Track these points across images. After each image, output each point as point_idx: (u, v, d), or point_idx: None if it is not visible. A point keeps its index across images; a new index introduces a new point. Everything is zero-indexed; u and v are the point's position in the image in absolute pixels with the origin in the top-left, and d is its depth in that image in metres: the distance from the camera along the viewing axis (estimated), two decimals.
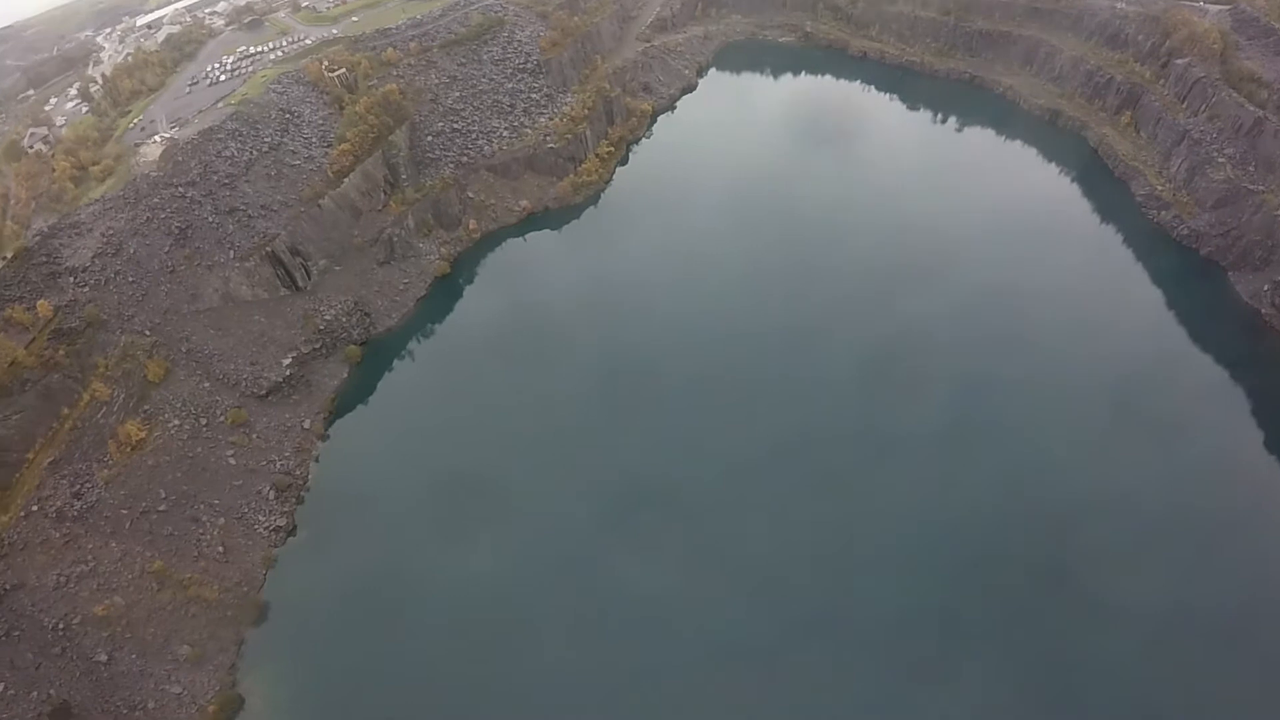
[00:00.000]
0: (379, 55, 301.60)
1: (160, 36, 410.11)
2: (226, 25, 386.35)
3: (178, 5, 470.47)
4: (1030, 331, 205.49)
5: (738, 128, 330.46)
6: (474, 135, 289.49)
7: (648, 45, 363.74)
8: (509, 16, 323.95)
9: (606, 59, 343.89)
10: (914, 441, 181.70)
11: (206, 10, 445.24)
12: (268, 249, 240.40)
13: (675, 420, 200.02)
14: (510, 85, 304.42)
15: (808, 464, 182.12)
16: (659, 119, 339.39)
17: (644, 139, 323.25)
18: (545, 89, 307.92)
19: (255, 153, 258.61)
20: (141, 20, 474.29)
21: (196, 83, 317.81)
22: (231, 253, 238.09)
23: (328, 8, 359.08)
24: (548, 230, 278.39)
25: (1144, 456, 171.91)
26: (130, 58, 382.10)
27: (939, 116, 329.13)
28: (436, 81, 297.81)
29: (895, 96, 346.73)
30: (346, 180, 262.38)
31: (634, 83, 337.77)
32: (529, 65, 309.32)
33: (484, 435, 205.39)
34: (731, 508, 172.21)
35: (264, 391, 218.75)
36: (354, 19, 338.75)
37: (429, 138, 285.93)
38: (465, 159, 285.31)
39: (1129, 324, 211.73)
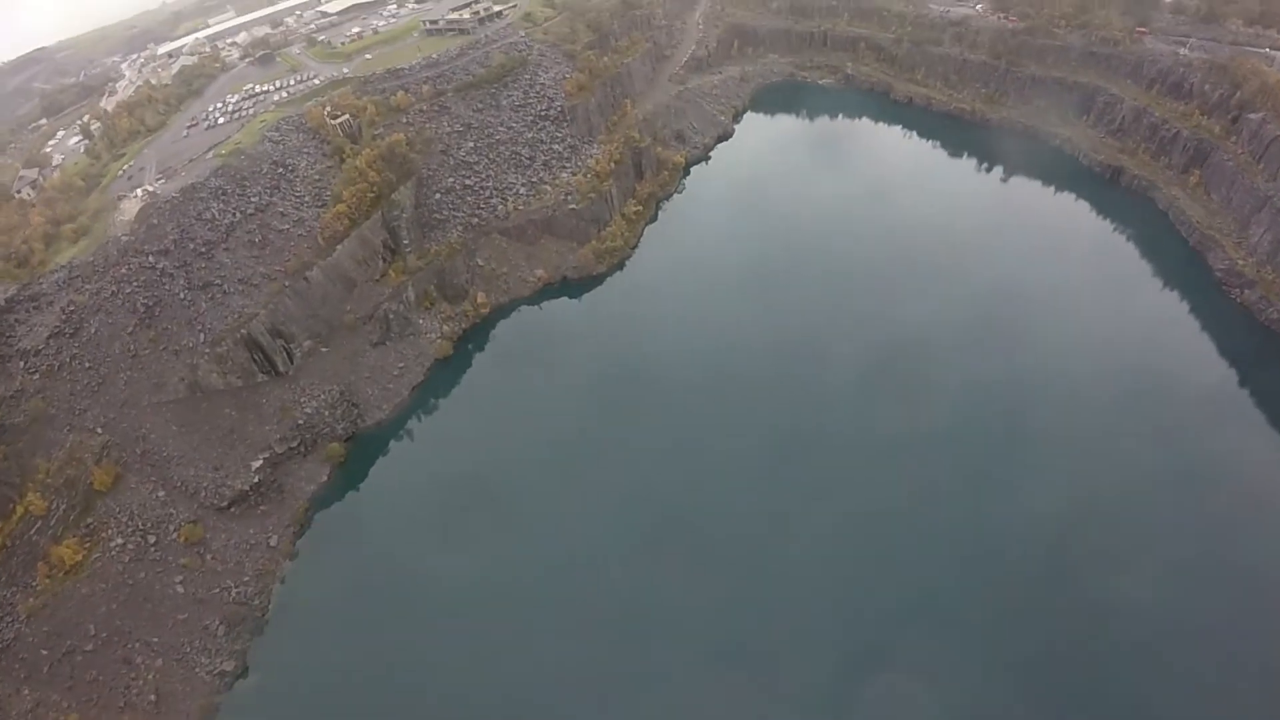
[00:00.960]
0: (388, 99, 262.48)
1: (175, 68, 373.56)
2: (241, 58, 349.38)
3: (199, 35, 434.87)
4: (1109, 437, 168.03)
5: (776, 181, 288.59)
6: (487, 193, 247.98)
7: (682, 88, 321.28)
8: (533, 56, 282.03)
9: (637, 103, 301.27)
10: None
11: (227, 40, 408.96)
12: (243, 331, 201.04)
13: (715, 553, 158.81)
14: (530, 135, 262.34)
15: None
16: (692, 170, 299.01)
17: (675, 194, 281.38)
18: (569, 139, 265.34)
19: (239, 215, 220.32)
20: (163, 49, 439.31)
21: (195, 125, 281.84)
22: (202, 335, 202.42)
23: (342, 43, 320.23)
24: (566, 303, 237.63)
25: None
26: (137, 91, 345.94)
27: (992, 170, 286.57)
28: (449, 130, 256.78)
29: (944, 147, 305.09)
30: (340, 247, 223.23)
31: (666, 130, 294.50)
32: (552, 112, 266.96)
33: (481, 553, 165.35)
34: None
35: (226, 502, 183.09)
36: (368, 56, 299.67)
37: (437, 195, 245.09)
38: (476, 220, 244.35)
39: (1215, 425, 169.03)
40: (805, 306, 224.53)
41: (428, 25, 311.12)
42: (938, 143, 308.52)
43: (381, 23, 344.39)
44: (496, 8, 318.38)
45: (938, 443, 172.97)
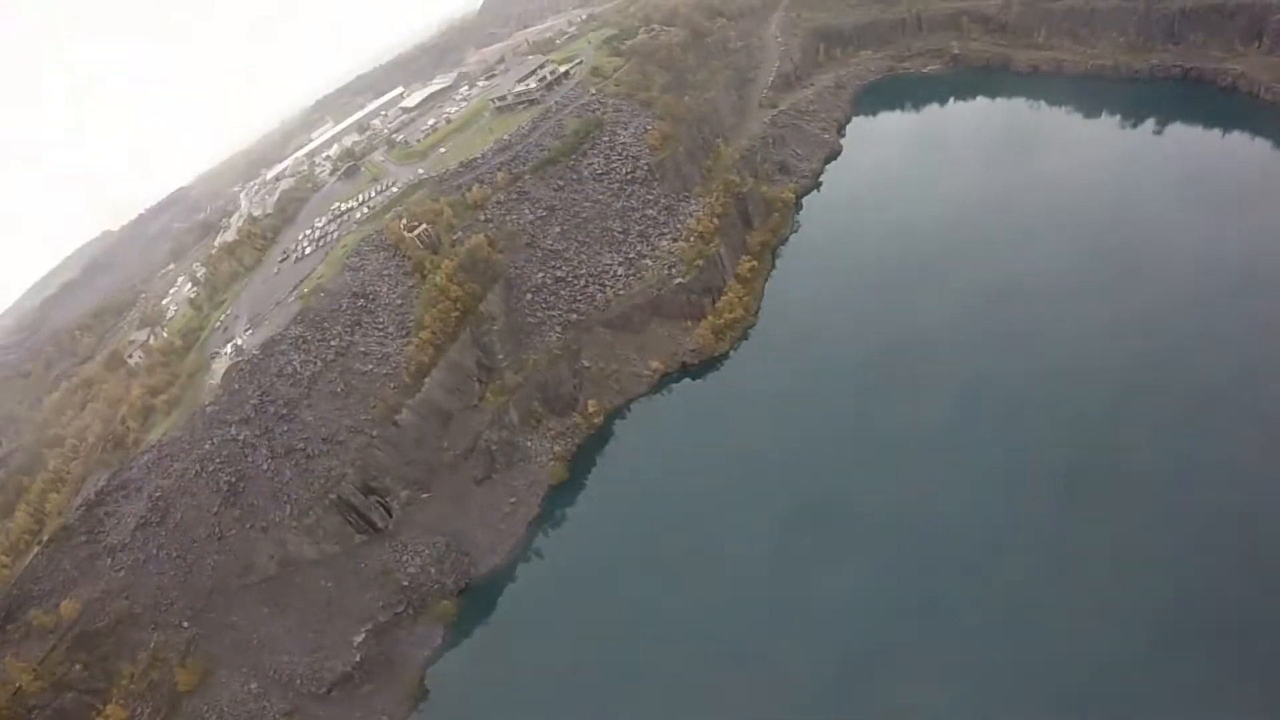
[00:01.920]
0: (464, 196, 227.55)
1: (277, 194, 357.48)
2: (330, 174, 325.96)
3: (300, 153, 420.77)
4: None
5: (902, 196, 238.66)
6: (582, 281, 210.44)
7: (774, 112, 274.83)
8: (608, 114, 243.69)
9: (730, 139, 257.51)
10: None
11: (322, 155, 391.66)
12: (332, 496, 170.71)
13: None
14: (619, 204, 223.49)
15: None
16: (804, 203, 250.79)
17: (791, 237, 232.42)
18: (662, 199, 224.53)
19: (320, 363, 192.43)
20: (271, 173, 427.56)
21: (286, 258, 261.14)
22: (289, 508, 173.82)
23: (418, 140, 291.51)
24: (688, 394, 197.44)
25: None
26: (241, 226, 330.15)
27: (1161, 132, 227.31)
28: (531, 217, 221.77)
29: (1090, 115, 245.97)
30: (428, 379, 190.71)
31: (767, 164, 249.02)
32: (638, 173, 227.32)
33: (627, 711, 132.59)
34: None
35: (326, 687, 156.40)
36: (442, 150, 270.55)
37: (528, 295, 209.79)
38: (575, 315, 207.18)
39: None
40: (981, 345, 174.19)
41: (496, 103, 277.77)
42: (1081, 112, 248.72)
43: (454, 109, 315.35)
44: (562, 68, 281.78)
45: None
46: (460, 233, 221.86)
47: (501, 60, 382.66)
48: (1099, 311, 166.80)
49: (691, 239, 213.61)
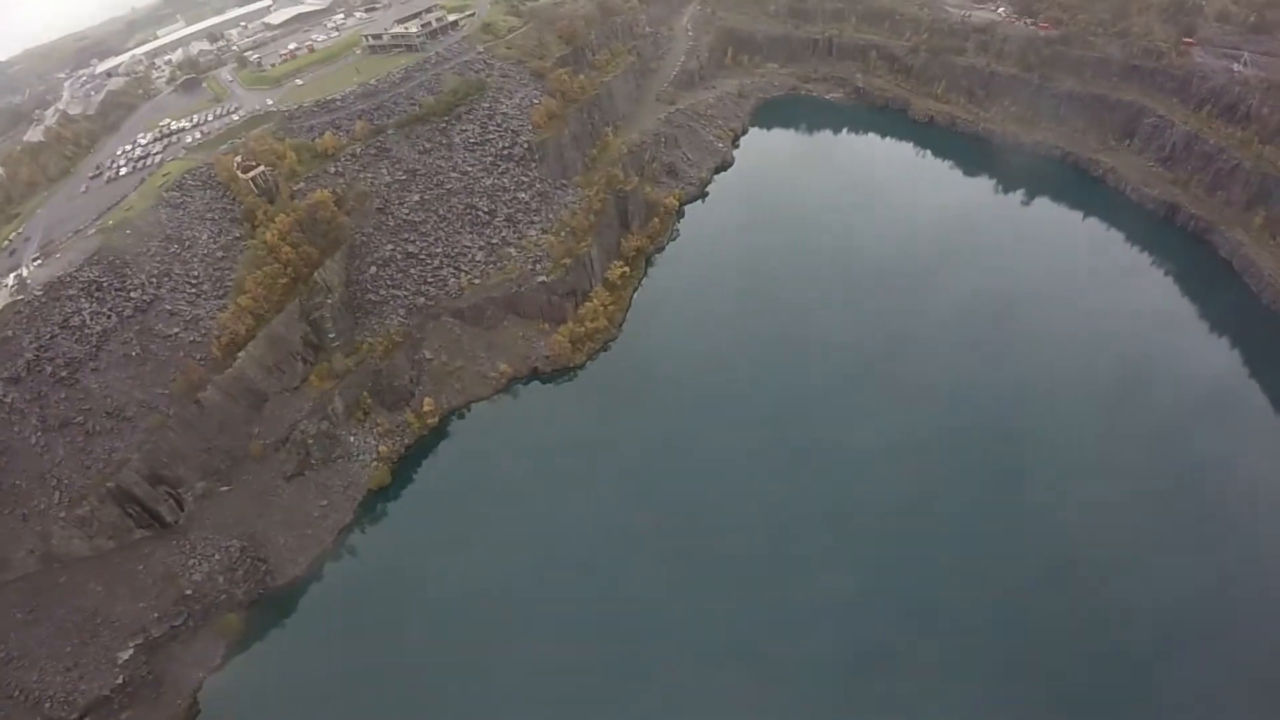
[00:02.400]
0: (314, 142, 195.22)
1: (102, 94, 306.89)
2: (167, 83, 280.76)
3: (141, 50, 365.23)
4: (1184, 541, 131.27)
5: (784, 222, 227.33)
6: (436, 262, 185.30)
7: (671, 109, 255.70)
8: (493, 78, 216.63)
9: (620, 130, 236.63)
10: None
11: (164, 58, 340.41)
12: (111, 483, 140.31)
13: None
14: (490, 180, 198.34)
15: None
16: (686, 210, 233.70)
17: (669, 245, 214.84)
18: (538, 183, 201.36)
19: (115, 318, 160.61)
20: (102, 66, 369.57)
21: (99, 174, 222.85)
22: (58, 494, 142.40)
23: (273, 64, 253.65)
24: (536, 404, 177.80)
25: None
26: (53, 125, 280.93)
27: (1030, 205, 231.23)
28: (389, 179, 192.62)
29: (973, 176, 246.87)
30: (243, 354, 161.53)
31: (655, 164, 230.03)
32: (517, 149, 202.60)
33: None
34: None
35: (77, 713, 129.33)
36: (298, 82, 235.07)
37: (372, 269, 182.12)
38: (423, 300, 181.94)
39: None
40: (833, 389, 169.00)
41: (369, 41, 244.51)
42: (965, 171, 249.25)
43: (322, 37, 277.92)
44: (450, 17, 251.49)
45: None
46: (303, 184, 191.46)
47: None
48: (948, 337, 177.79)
49: (563, 234, 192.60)
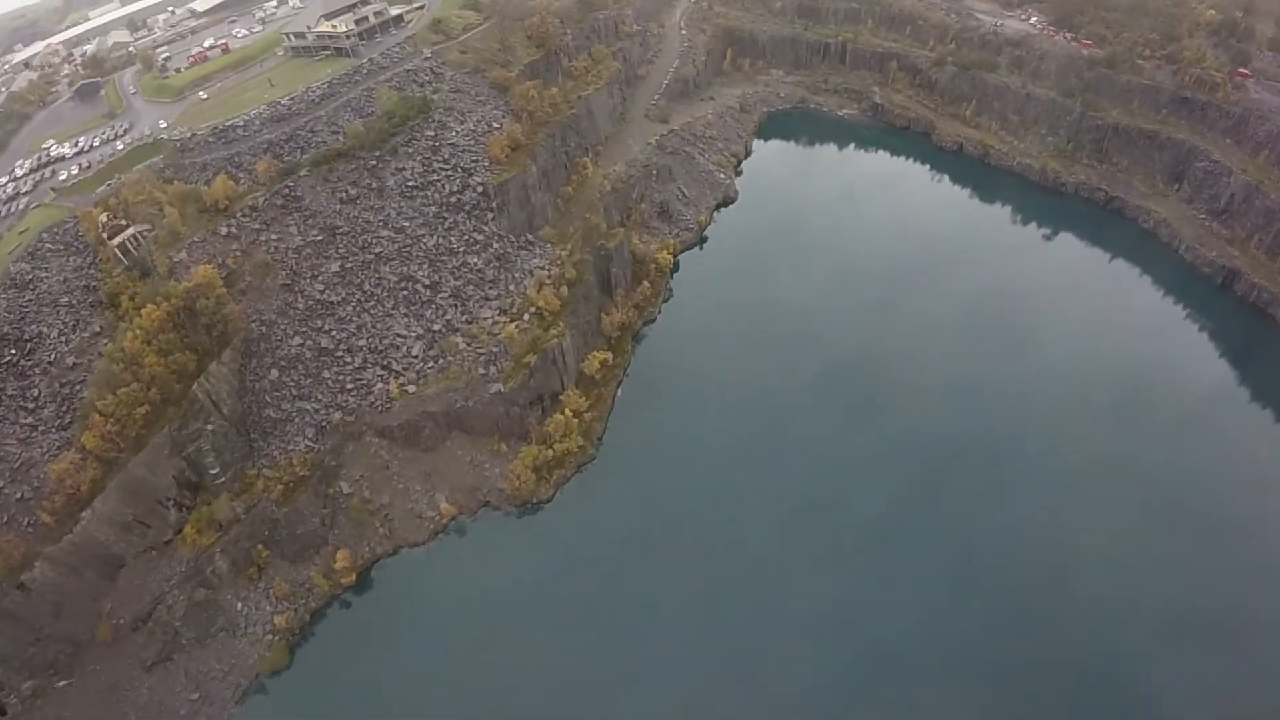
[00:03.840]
0: (204, 188, 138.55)
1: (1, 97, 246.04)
2: (69, 87, 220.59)
3: (55, 40, 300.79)
4: None
5: (799, 271, 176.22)
6: (359, 360, 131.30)
7: (664, 131, 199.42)
8: (441, 94, 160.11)
9: (601, 159, 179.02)
10: None
11: (81, 49, 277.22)
12: None
13: None
14: (433, 240, 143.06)
15: None
16: (681, 260, 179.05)
17: (659, 315, 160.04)
18: (495, 243, 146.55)
19: None
20: (20, 55, 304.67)
21: None
22: None
23: (178, 69, 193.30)
24: (486, 554, 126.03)
25: None
26: None
27: (1074, 264, 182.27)
28: (300, 242, 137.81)
29: (1009, 222, 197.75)
30: (88, 513, 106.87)
31: (644, 205, 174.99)
32: (468, 195, 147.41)
33: None
34: None
35: None
36: (202, 95, 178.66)
37: (273, 372, 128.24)
38: (340, 414, 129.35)
39: None
40: (868, 502, 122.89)
41: (292, 40, 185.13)
42: (1001, 216, 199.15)
43: (244, 32, 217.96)
44: (394, 10, 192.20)
45: None
46: (185, 252, 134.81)
47: None
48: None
49: (527, 316, 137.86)
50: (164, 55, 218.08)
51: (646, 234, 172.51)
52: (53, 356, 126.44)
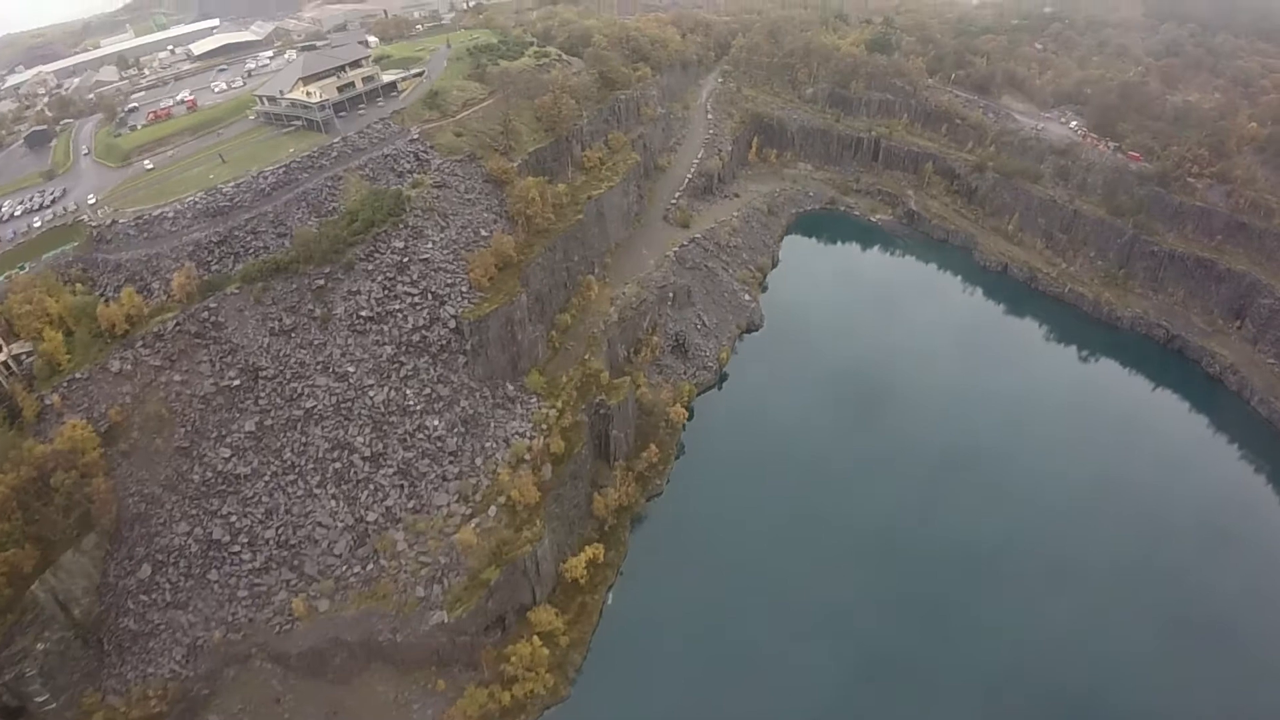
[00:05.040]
0: (106, 303, 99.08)
1: None
2: (26, 130, 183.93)
3: (46, 68, 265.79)
4: None
5: (832, 428, 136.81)
6: (260, 559, 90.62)
7: (684, 241, 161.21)
8: (422, 190, 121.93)
9: (610, 270, 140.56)
10: None
11: (68, 80, 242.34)
12: None
13: None
14: (383, 394, 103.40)
15: None
16: (696, 406, 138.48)
17: (666, 487, 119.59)
18: (464, 399, 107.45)
19: None
20: (11, 79, 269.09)
21: None
22: None
23: (134, 126, 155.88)
24: None
25: None
26: None
27: (1135, 412, 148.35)
28: (211, 387, 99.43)
29: (1066, 363, 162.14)
30: None
31: (658, 337, 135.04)
32: (436, 333, 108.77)
33: None
34: None
35: None
36: (147, 164, 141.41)
37: (145, 569, 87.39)
38: (222, 632, 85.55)
39: None
40: None
41: (264, 105, 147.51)
42: (1057, 354, 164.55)
43: (222, 86, 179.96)
44: (387, 76, 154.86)
45: None
46: (63, 389, 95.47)
47: (344, 27, 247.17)
48: None
49: (495, 508, 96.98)
50: (131, 106, 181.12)
51: (657, 375, 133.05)
52: None
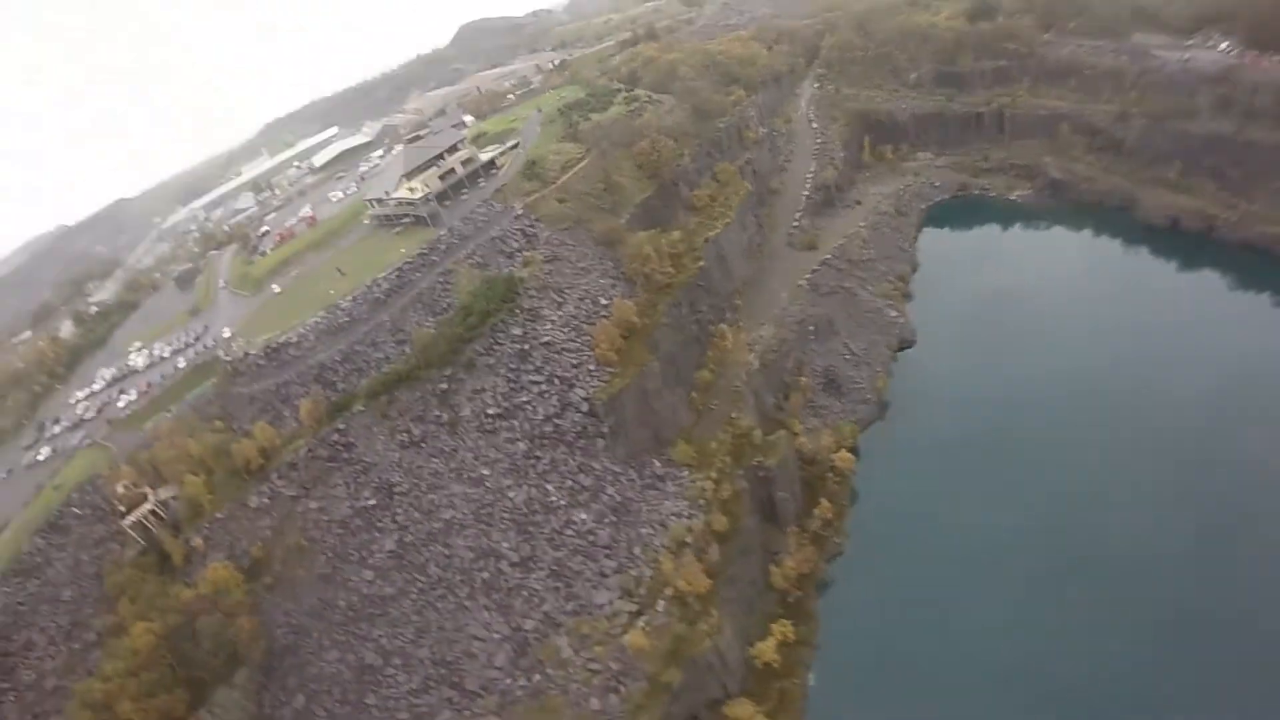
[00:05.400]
0: (238, 440, 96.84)
1: (130, 272, 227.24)
2: (177, 272, 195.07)
3: (196, 204, 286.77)
4: None
5: (1021, 455, 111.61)
6: (416, 680, 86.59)
7: (815, 266, 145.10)
8: (534, 267, 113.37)
9: (742, 313, 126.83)
10: None
11: (214, 213, 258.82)
12: None
13: None
14: (522, 492, 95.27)
15: None
16: (861, 446, 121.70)
17: (847, 545, 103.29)
18: (608, 485, 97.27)
19: None
20: (168, 222, 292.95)
21: (34, 444, 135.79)
22: None
23: (263, 253, 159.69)
24: None
25: None
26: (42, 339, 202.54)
27: None
28: (348, 509, 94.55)
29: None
30: None
31: (804, 379, 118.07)
32: (569, 419, 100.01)
33: None
34: None
35: None
36: (275, 288, 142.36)
37: (298, 699, 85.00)
38: None
39: None
40: None
41: (374, 208, 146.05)
42: (1261, 309, 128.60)
43: (338, 195, 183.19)
44: (484, 154, 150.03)
45: None
46: (208, 531, 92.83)
47: (443, 112, 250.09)
48: None
49: (662, 602, 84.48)
50: (263, 230, 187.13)
51: (813, 418, 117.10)
52: (34, 676, 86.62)
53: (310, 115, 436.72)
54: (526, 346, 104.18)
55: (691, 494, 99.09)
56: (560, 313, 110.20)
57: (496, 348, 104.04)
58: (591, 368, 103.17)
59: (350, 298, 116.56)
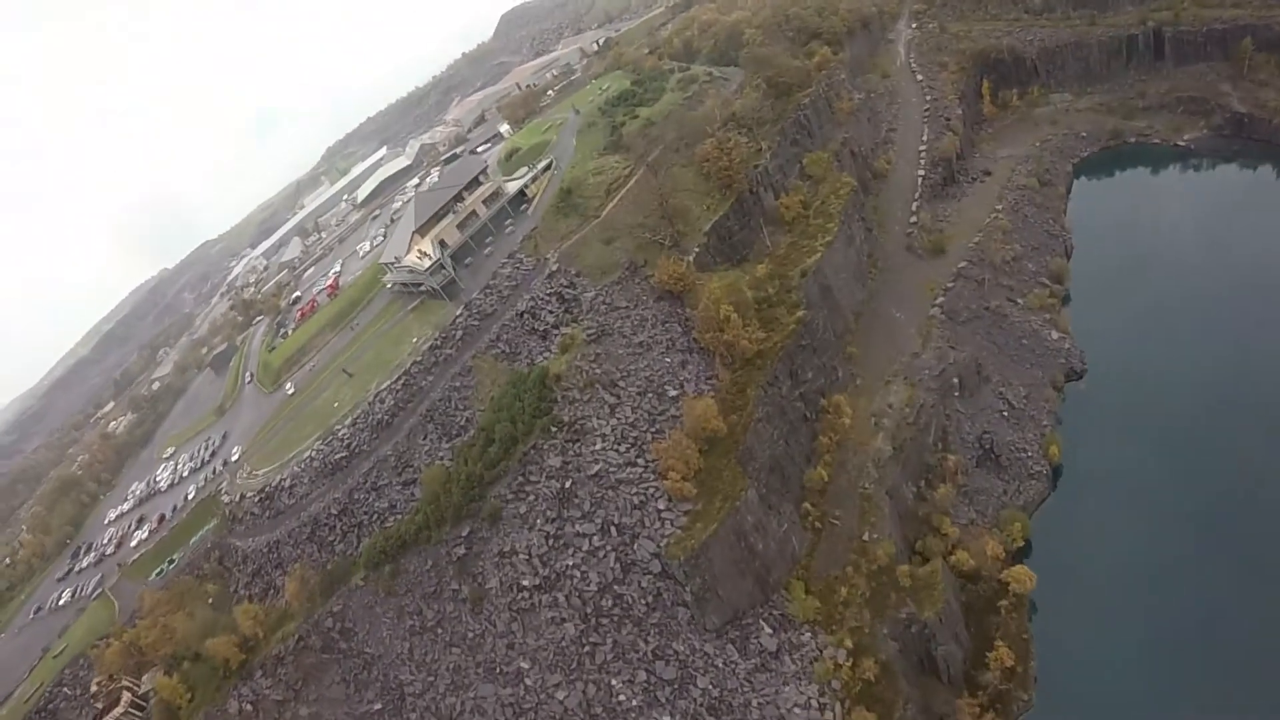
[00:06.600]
0: (209, 643, 71.57)
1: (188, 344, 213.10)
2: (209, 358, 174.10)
3: (254, 253, 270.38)
4: None
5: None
6: None
7: (947, 281, 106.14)
8: (572, 354, 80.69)
9: (858, 374, 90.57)
10: None
11: (275, 259, 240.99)
12: None
13: None
14: (576, 694, 61.25)
15: None
16: (1033, 540, 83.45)
17: (1035, 699, 71.31)
18: (701, 676, 64.15)
19: None
20: (236, 270, 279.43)
21: (65, 576, 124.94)
22: None
23: (287, 332, 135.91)
24: None
25: None
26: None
27: None
28: (344, 719, 60.02)
29: None
30: None
31: (953, 457, 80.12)
32: (633, 585, 68.91)
33: None
34: None
35: None
36: (288, 389, 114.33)
37: None
38: None
39: None
40: None
41: (390, 270, 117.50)
42: None
43: (366, 246, 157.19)
44: (512, 184, 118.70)
45: None
46: None
47: (482, 119, 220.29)
48: None
49: None
50: (294, 296, 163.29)
51: (967, 507, 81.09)
52: None
53: (367, 133, 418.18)
54: (569, 483, 72.67)
55: (820, 672, 66.36)
56: (613, 421, 77.91)
57: (529, 487, 73.16)
58: (661, 506, 70.76)
59: (349, 422, 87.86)
